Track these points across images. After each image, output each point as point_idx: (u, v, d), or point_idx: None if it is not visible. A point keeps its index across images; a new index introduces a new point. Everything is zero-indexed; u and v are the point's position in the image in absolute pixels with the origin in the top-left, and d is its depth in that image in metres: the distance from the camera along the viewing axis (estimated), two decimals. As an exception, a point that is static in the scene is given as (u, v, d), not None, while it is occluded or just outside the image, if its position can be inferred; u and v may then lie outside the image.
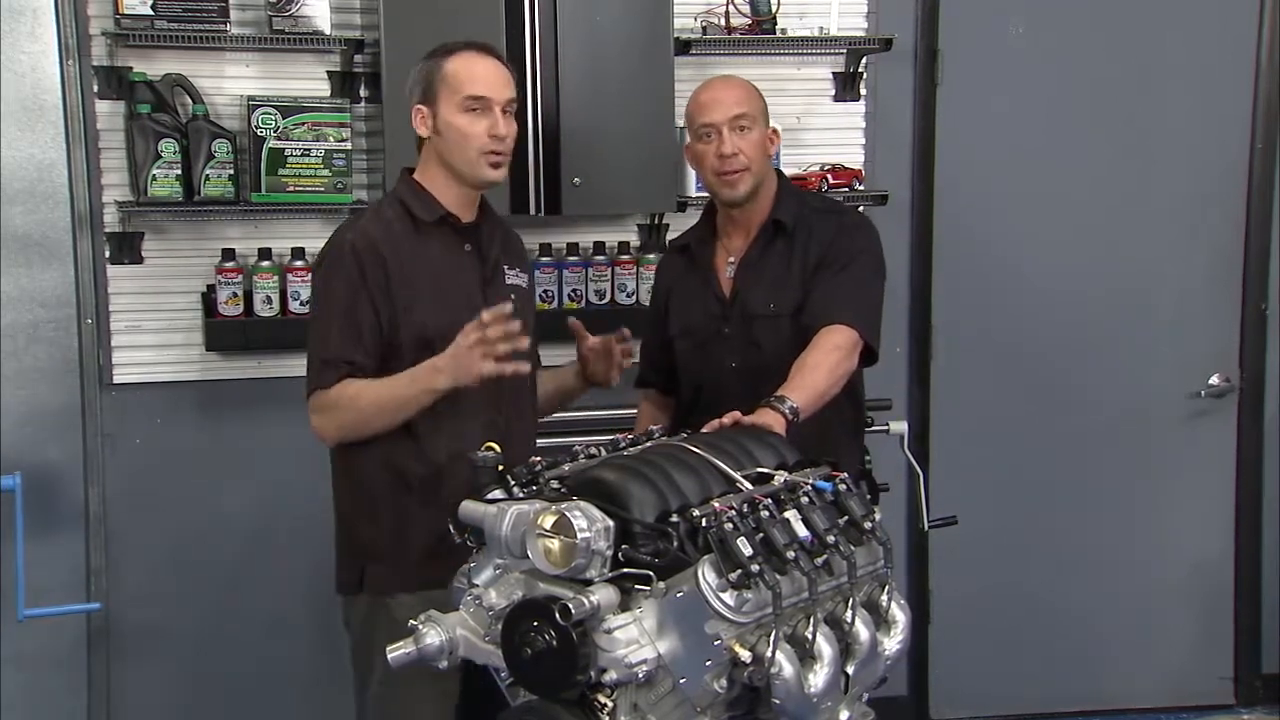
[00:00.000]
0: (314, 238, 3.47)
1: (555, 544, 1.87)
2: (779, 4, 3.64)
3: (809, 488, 2.00)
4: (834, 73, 3.81)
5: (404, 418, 2.48)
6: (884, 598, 2.07)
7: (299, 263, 3.40)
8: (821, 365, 2.56)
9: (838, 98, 3.82)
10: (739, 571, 1.83)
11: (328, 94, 3.44)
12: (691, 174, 3.56)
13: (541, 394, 2.80)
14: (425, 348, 2.49)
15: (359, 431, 2.51)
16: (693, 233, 2.96)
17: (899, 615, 2.08)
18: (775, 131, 2.85)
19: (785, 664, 1.86)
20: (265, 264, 3.39)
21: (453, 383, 2.41)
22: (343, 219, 3.44)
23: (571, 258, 3.62)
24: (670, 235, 3.57)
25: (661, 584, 1.86)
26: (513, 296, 2.59)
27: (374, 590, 2.57)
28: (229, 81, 3.41)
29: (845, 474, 2.07)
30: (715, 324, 2.82)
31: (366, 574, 2.58)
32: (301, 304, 3.39)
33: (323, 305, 2.56)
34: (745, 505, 1.93)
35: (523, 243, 2.85)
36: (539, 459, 2.14)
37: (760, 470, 2.09)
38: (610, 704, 1.87)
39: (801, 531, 1.93)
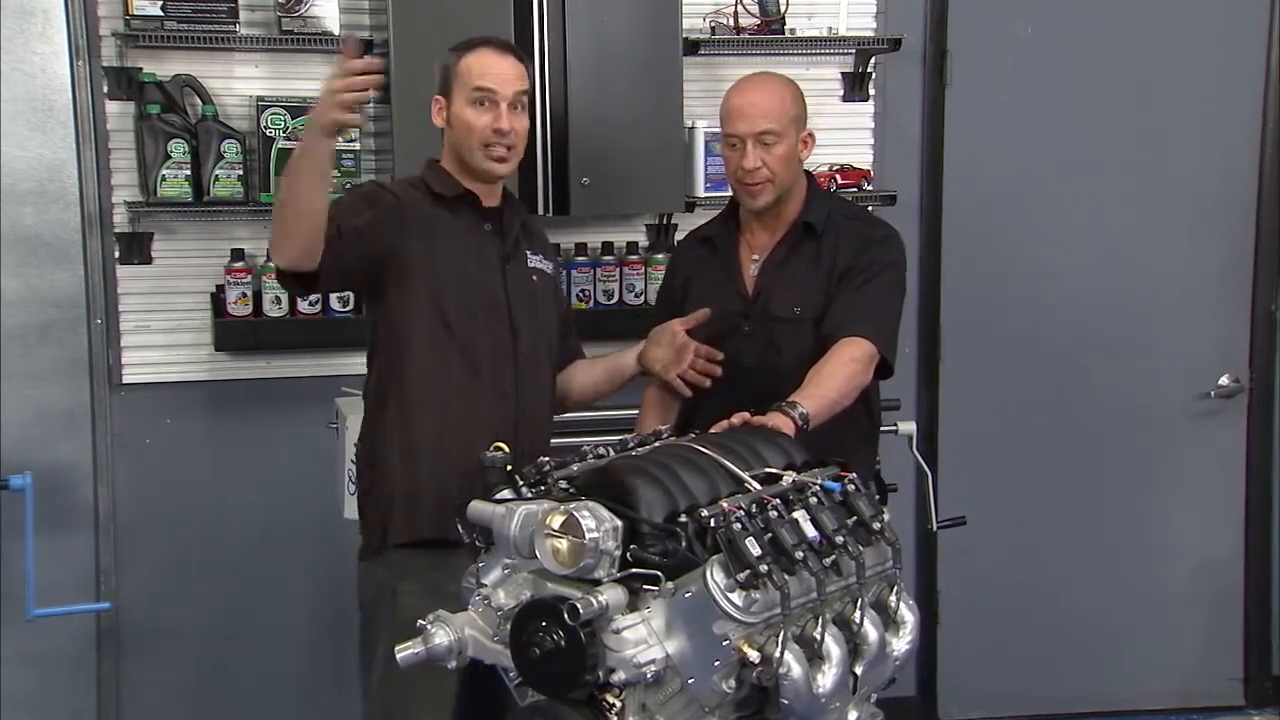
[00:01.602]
0: (323, 238, 3.48)
1: (564, 544, 1.87)
2: (788, 4, 3.64)
3: (817, 488, 2.00)
4: (843, 73, 3.81)
5: (311, 182, 2.36)
6: (892, 598, 2.07)
7: (308, 263, 3.40)
8: (837, 375, 2.56)
9: (846, 98, 3.82)
10: (747, 572, 1.83)
11: (336, 94, 3.45)
12: (700, 174, 3.57)
13: (589, 380, 2.85)
14: (439, 295, 2.56)
15: (290, 223, 2.39)
16: (716, 224, 2.94)
17: (907, 616, 2.08)
18: (810, 135, 2.81)
19: (793, 664, 1.86)
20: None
21: (320, 128, 2.31)
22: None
23: (580, 258, 3.62)
24: (679, 235, 3.58)
25: (670, 584, 1.86)
26: (534, 277, 2.69)
27: (395, 541, 2.60)
28: (238, 82, 3.41)
29: (853, 474, 2.07)
30: (734, 320, 2.80)
31: (388, 529, 2.61)
32: (310, 304, 3.40)
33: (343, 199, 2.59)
34: (754, 505, 1.93)
35: (545, 235, 2.91)
36: (547, 459, 2.14)
37: (769, 471, 2.08)
38: (618, 704, 1.87)
39: (810, 532, 1.93)
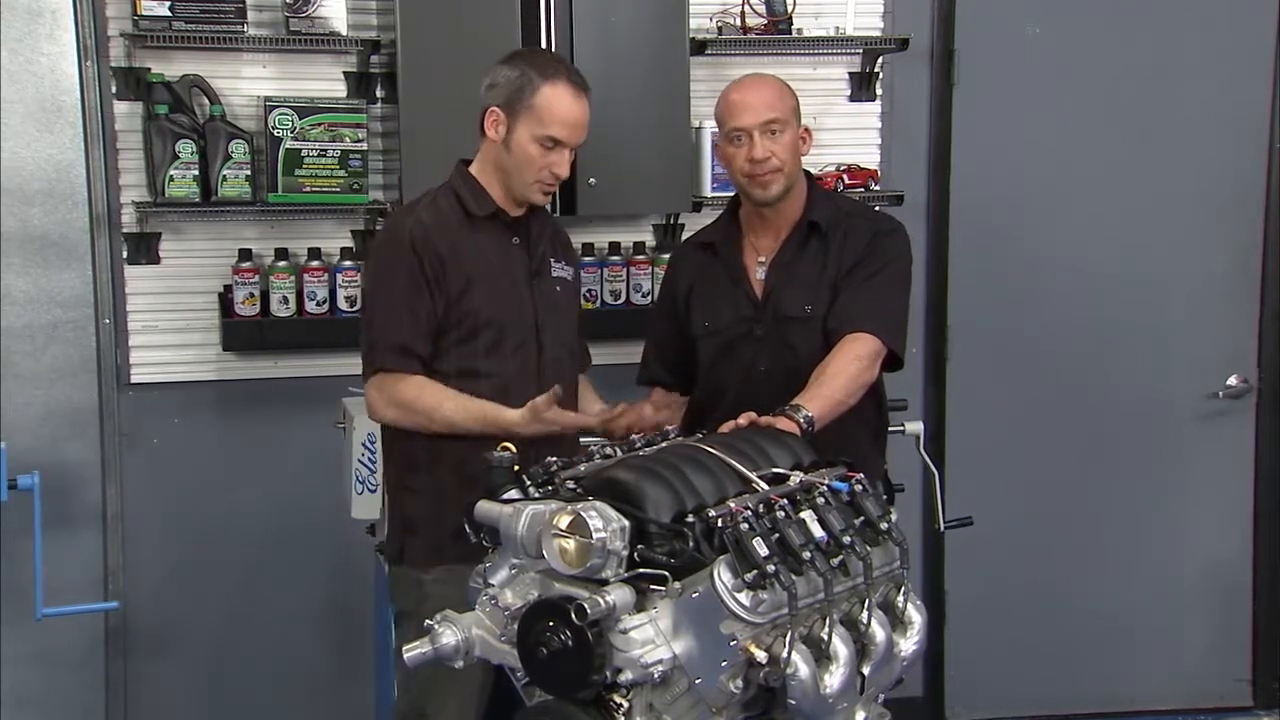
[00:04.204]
0: (330, 238, 3.49)
1: (571, 544, 1.87)
2: (795, 4, 3.64)
3: (825, 488, 1.99)
4: (850, 73, 3.81)
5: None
6: (900, 598, 2.07)
7: (315, 263, 3.41)
8: (841, 374, 2.55)
9: (853, 98, 3.82)
10: (754, 572, 1.83)
11: (344, 94, 3.45)
12: (707, 174, 3.56)
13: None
14: (474, 334, 2.58)
15: (415, 428, 2.59)
16: (716, 230, 2.90)
17: (915, 616, 2.08)
18: (807, 130, 2.78)
19: (801, 665, 1.86)
20: (281, 264, 3.40)
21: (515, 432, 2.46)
22: (359, 220, 3.48)
23: (587, 258, 3.61)
24: (686, 235, 3.57)
25: (677, 584, 1.86)
26: (558, 288, 2.72)
27: (411, 563, 2.65)
28: (246, 82, 3.42)
29: (861, 474, 2.07)
30: (745, 325, 2.78)
31: (405, 546, 2.66)
32: (318, 304, 3.41)
33: (385, 289, 2.61)
34: (761, 505, 1.92)
35: (569, 238, 2.92)
36: (554, 459, 2.14)
37: (776, 471, 2.08)
38: (625, 704, 1.87)
39: (817, 532, 1.92)
